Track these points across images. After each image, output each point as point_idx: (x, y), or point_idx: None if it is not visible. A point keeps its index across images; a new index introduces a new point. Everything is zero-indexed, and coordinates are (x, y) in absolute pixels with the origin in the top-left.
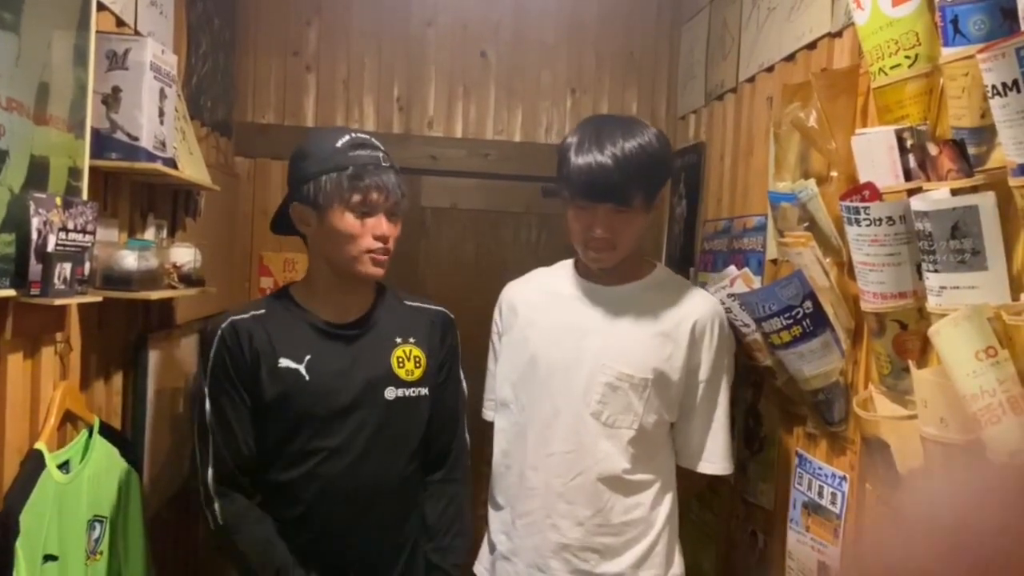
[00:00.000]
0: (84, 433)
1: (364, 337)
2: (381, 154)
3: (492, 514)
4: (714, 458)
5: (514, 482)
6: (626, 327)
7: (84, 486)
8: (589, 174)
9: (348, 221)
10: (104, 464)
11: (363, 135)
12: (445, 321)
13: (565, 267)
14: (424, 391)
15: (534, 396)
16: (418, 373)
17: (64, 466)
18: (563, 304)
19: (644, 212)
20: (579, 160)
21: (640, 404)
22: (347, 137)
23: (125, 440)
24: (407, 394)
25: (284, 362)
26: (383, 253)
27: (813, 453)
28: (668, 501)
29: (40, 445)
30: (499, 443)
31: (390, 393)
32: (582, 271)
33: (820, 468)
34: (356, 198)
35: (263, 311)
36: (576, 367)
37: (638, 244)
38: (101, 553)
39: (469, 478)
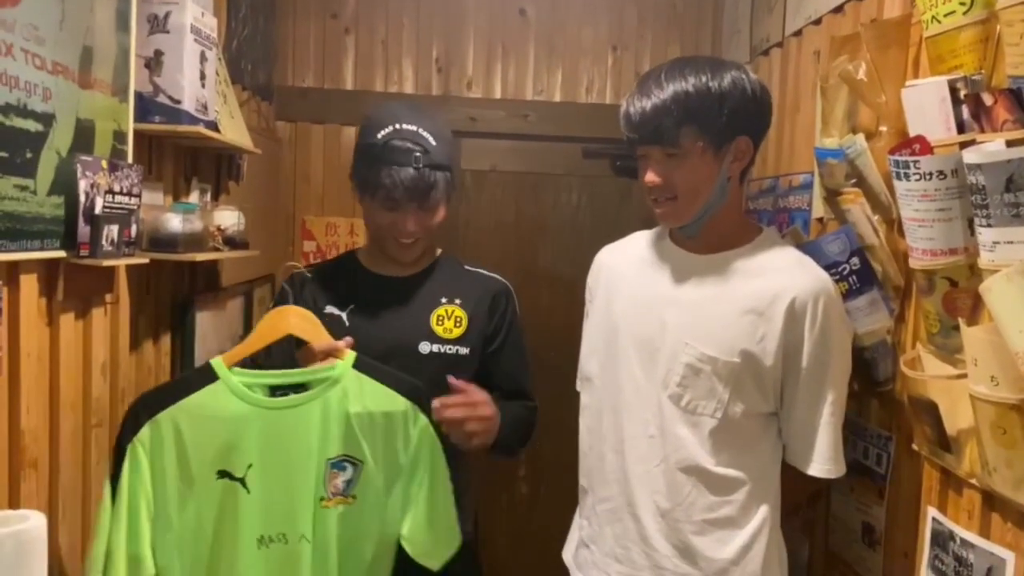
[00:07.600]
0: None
1: (410, 293)
2: (416, 150)
3: (580, 497)
4: (820, 458)
5: (595, 464)
6: (714, 302)
7: (327, 421)
8: (627, 118)
9: (376, 213)
10: (377, 404)
11: (408, 127)
12: (499, 290)
13: (662, 232)
14: (464, 350)
15: (616, 372)
16: (457, 332)
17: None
18: (650, 273)
19: (704, 154)
20: (624, 107)
21: (725, 391)
22: (390, 129)
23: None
24: (443, 350)
25: (329, 308)
26: (409, 239)
27: (858, 413)
28: (764, 510)
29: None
30: (583, 420)
31: (424, 347)
32: (677, 237)
33: (864, 428)
34: (380, 193)
35: (324, 265)
36: (657, 343)
37: (727, 202)
38: (354, 496)
39: (532, 418)
